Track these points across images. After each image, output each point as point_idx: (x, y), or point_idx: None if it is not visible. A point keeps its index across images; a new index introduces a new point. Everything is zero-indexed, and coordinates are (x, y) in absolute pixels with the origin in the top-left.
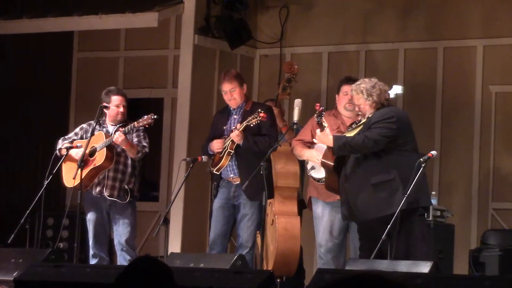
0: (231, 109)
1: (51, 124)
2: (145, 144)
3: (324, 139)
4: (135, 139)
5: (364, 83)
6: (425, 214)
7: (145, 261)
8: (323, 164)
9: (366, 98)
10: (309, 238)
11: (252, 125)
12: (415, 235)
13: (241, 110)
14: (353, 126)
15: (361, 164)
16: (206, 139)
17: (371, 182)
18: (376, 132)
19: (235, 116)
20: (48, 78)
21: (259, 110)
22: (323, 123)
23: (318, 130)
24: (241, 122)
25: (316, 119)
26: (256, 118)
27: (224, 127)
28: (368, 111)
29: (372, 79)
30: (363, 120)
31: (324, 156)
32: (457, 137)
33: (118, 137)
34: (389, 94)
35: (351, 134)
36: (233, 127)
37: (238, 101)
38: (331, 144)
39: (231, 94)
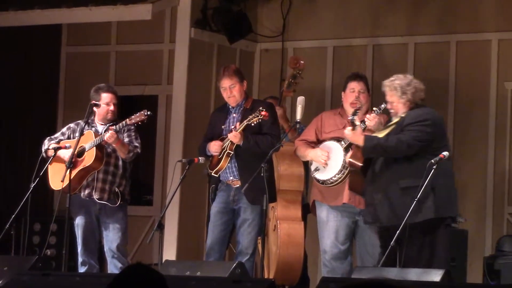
0: (230, 107)
1: (38, 123)
2: (136, 144)
3: (355, 138)
4: (126, 139)
5: (399, 80)
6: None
7: (136, 269)
8: (351, 164)
9: (400, 96)
10: (314, 245)
11: (253, 125)
12: (439, 246)
13: (241, 108)
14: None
15: (390, 166)
16: (203, 139)
17: (400, 186)
18: (410, 135)
19: (234, 115)
20: (35, 74)
21: (260, 108)
22: (356, 122)
23: (349, 128)
24: (240, 121)
25: (349, 116)
26: (258, 117)
27: (223, 127)
28: (401, 110)
29: (407, 76)
30: (395, 120)
31: (353, 156)
32: (471, 137)
33: (110, 136)
34: (423, 93)
35: (381, 134)
36: (232, 127)
37: (237, 98)
38: (361, 143)
39: (231, 91)
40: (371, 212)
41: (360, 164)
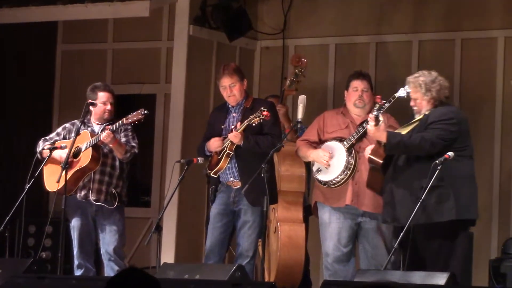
0: (230, 106)
1: (33, 123)
2: (134, 144)
3: (378, 134)
4: (123, 139)
5: (424, 76)
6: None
7: (130, 273)
8: (370, 161)
9: (424, 93)
10: (316, 247)
11: (254, 125)
12: (458, 249)
13: (241, 108)
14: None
15: (412, 164)
16: (202, 139)
17: (421, 185)
18: (434, 133)
19: (234, 114)
20: (30, 72)
21: (262, 108)
22: (380, 118)
23: (371, 123)
24: (241, 121)
25: (374, 111)
26: (259, 117)
27: (223, 126)
28: (425, 107)
29: (432, 73)
30: (418, 117)
31: (374, 153)
32: (476, 136)
33: (107, 136)
34: (448, 91)
35: (404, 131)
36: (232, 126)
37: (238, 97)
38: (384, 140)
39: (231, 89)
40: (389, 211)
41: (381, 161)
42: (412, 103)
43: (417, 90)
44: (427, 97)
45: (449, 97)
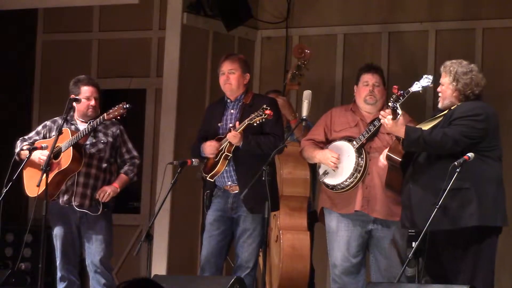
0: (228, 101)
1: (10, 120)
2: (135, 153)
3: (396, 128)
4: (125, 156)
5: (457, 65)
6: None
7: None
8: (388, 158)
9: (450, 82)
10: (322, 257)
11: (255, 124)
12: (484, 259)
13: (240, 104)
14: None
15: (433, 164)
16: (197, 137)
17: (441, 187)
18: (458, 130)
19: (232, 111)
20: (7, 65)
21: (264, 106)
22: (398, 110)
23: (389, 117)
24: (240, 119)
25: (391, 104)
26: (261, 116)
27: (219, 124)
28: (449, 97)
29: (471, 65)
30: (440, 113)
31: (392, 150)
32: (501, 133)
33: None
34: (481, 89)
35: (427, 126)
36: (230, 125)
37: (233, 87)
38: (402, 135)
39: (228, 76)
40: (407, 215)
41: (399, 159)
42: (438, 89)
43: (446, 75)
44: (452, 87)
45: (482, 95)
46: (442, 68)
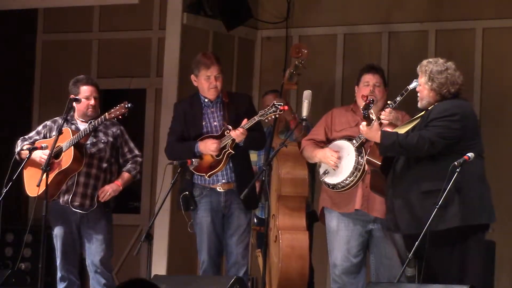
0: (205, 100)
1: (10, 120)
2: (137, 152)
3: (371, 134)
4: (127, 155)
5: (433, 64)
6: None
7: (136, 283)
8: (369, 162)
9: (426, 81)
10: (321, 257)
11: (266, 121)
12: (470, 260)
13: (219, 103)
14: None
15: (412, 166)
16: (173, 136)
17: (421, 189)
18: (433, 131)
19: (212, 109)
20: (7, 65)
21: (276, 103)
22: (371, 115)
23: (364, 123)
24: (228, 117)
25: (362, 111)
26: (275, 112)
27: (203, 123)
28: (426, 97)
29: (447, 64)
30: (422, 113)
31: (371, 154)
32: (500, 136)
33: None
34: (458, 87)
35: (403, 130)
36: (229, 126)
37: (219, 91)
38: (378, 140)
39: (216, 80)
40: (392, 219)
41: (379, 163)
42: (417, 88)
43: (422, 75)
44: (428, 87)
45: (460, 93)
46: (418, 68)
